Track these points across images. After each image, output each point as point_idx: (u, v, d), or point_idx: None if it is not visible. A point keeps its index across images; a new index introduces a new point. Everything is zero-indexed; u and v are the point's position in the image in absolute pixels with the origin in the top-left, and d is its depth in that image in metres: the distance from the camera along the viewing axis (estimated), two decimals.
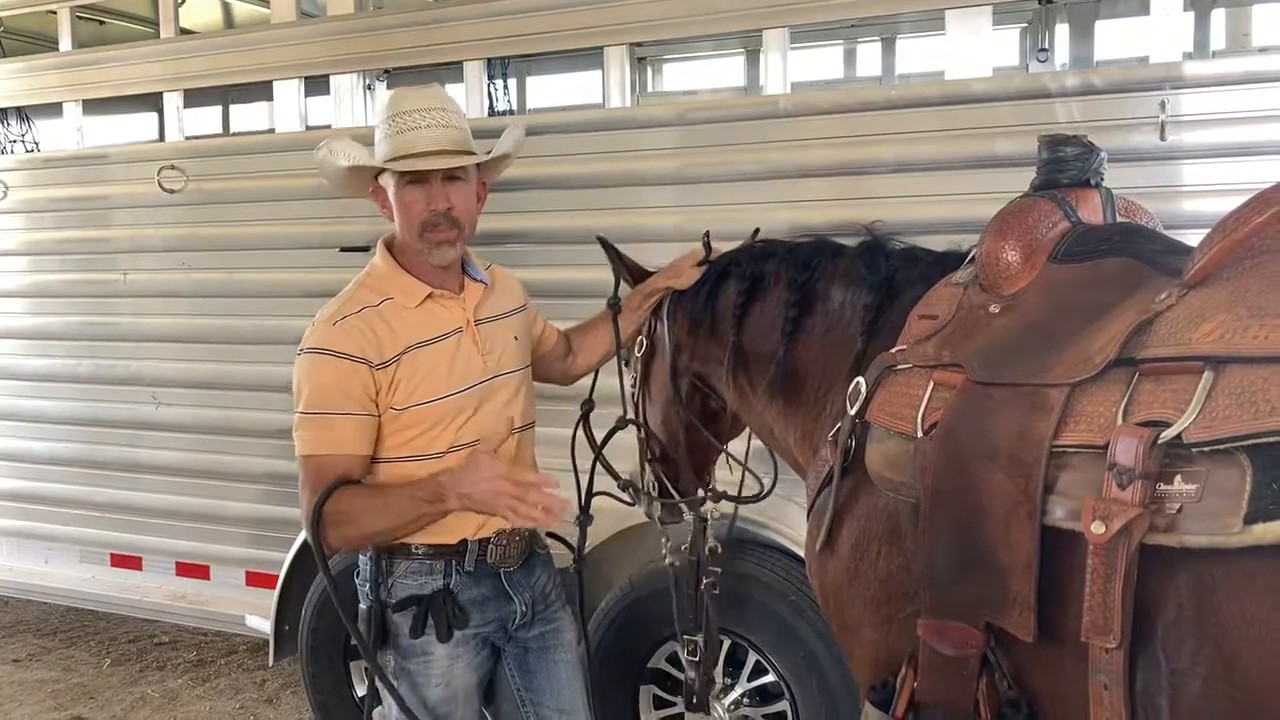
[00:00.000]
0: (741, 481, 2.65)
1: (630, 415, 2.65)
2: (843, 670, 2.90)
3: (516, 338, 2.41)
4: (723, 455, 2.70)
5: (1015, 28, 4.92)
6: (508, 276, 2.53)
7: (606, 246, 2.68)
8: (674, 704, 3.30)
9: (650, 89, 5.61)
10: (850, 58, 5.41)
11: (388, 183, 2.24)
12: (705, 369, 2.48)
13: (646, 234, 3.29)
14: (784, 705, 3.09)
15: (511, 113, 5.04)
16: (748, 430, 2.60)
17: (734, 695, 3.15)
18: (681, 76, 5.78)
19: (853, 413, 1.90)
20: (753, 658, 3.12)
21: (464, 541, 2.25)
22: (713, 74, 5.75)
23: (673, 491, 2.63)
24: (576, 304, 3.01)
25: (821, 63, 5.44)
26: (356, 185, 2.34)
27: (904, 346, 1.89)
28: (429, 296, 2.25)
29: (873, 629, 1.86)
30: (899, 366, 1.86)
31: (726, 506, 2.71)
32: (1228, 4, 4.45)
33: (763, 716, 3.16)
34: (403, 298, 2.23)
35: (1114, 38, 4.73)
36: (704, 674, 2.85)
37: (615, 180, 3.41)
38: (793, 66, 3.27)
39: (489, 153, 2.30)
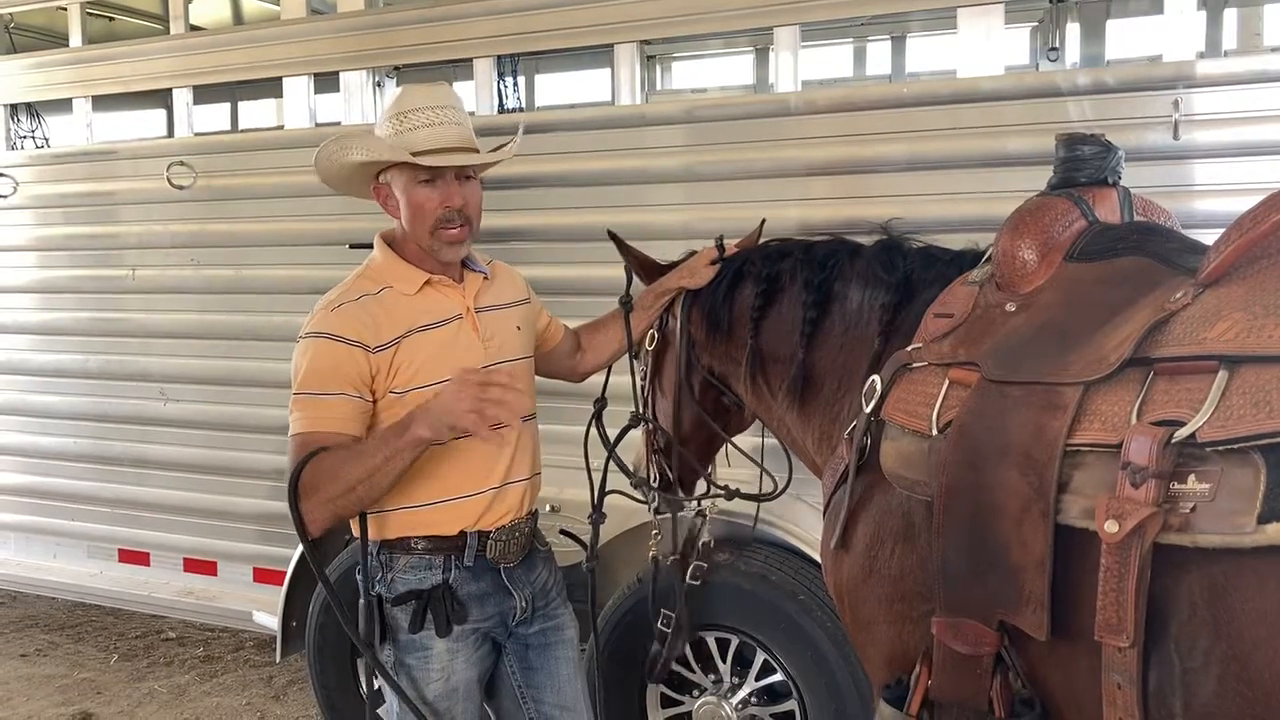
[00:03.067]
0: (760, 481, 2.67)
1: (642, 412, 2.64)
2: (851, 669, 2.89)
3: (519, 328, 2.42)
4: (723, 451, 2.71)
5: (1025, 26, 4.92)
6: (510, 271, 2.54)
7: (617, 240, 2.68)
8: (681, 703, 3.29)
9: (660, 87, 5.61)
10: (861, 56, 5.41)
11: (395, 180, 2.24)
12: (723, 369, 2.48)
13: (655, 231, 3.28)
14: (792, 704, 3.08)
15: (521, 110, 5.04)
16: (762, 428, 2.60)
17: (742, 694, 3.14)
18: (691, 74, 5.79)
19: (868, 410, 1.90)
20: (760, 657, 3.11)
21: (463, 534, 2.25)
22: (722, 72, 5.75)
23: (676, 484, 2.63)
24: (585, 301, 3.01)
25: (832, 61, 5.44)
26: (356, 184, 2.33)
27: (919, 345, 1.89)
28: (427, 283, 2.26)
29: (887, 626, 1.86)
30: (914, 364, 1.86)
31: (725, 503, 2.72)
32: (1239, 4, 4.43)
33: (770, 716, 3.15)
34: (402, 285, 2.24)
35: (1123, 37, 4.72)
36: (669, 652, 2.95)
37: (624, 178, 3.41)
38: (803, 64, 3.26)
39: (501, 148, 2.31)
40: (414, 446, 2.02)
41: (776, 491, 2.64)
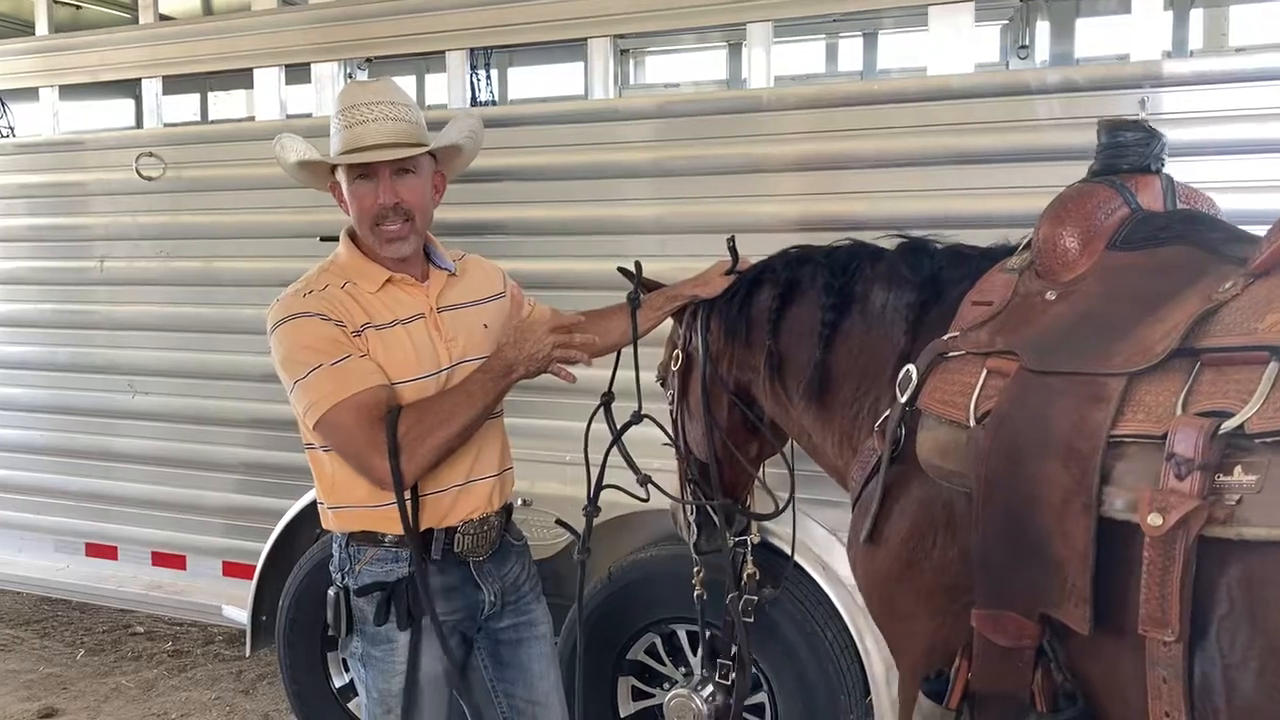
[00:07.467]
0: (792, 500, 2.65)
1: (646, 411, 2.54)
2: (820, 662, 2.91)
3: (486, 325, 2.40)
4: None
5: (996, 25, 4.95)
6: (484, 265, 2.53)
7: (625, 272, 2.64)
8: (652, 695, 3.30)
9: (633, 81, 5.60)
10: (833, 53, 5.43)
11: (341, 178, 2.25)
12: (743, 377, 2.44)
13: (627, 226, 3.30)
14: (762, 697, 3.10)
15: (494, 103, 5.03)
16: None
17: (712, 687, 3.15)
18: (664, 69, 5.79)
19: (903, 400, 1.87)
20: (732, 650, 3.12)
21: (429, 530, 2.25)
22: (695, 67, 5.76)
23: (708, 507, 2.60)
24: (558, 296, 3.00)
25: (804, 57, 5.45)
26: (315, 180, 2.35)
27: (956, 333, 1.86)
28: (389, 281, 2.26)
29: (926, 619, 1.84)
30: (951, 354, 1.84)
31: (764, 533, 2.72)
32: (1206, 4, 4.49)
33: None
34: (364, 282, 2.25)
35: (1093, 36, 4.77)
36: (738, 700, 2.84)
37: (597, 171, 3.40)
38: (776, 60, 3.27)
39: (433, 145, 2.29)
40: (510, 388, 2.21)
41: (775, 512, 2.65)
